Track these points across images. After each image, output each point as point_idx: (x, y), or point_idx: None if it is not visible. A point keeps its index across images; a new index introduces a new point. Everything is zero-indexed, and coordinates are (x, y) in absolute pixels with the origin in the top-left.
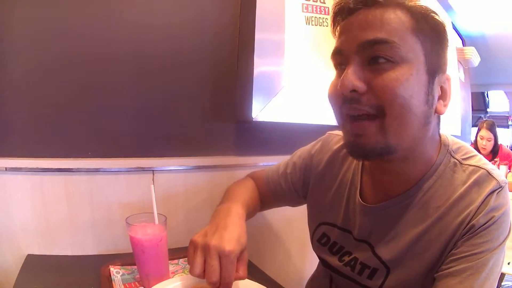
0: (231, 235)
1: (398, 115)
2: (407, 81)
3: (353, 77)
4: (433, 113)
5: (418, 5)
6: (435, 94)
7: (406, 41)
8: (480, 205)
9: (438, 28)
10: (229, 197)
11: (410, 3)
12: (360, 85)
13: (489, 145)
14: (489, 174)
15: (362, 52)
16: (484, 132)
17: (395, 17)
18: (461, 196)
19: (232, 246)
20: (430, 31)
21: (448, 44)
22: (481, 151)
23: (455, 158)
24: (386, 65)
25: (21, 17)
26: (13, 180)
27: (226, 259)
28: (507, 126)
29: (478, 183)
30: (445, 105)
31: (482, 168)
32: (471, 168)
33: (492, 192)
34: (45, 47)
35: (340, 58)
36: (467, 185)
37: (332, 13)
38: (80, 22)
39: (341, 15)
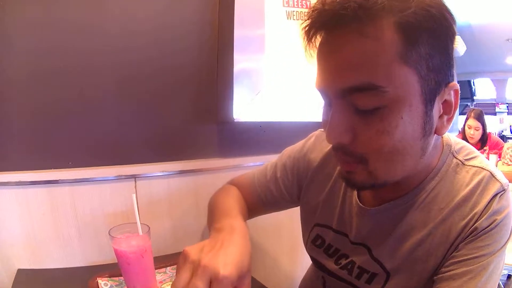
0: (230, 257)
1: (385, 161)
2: (397, 128)
3: (338, 129)
4: (432, 136)
5: (416, 8)
6: (435, 117)
7: (394, 76)
8: (484, 208)
9: (444, 29)
10: (223, 210)
11: (405, 12)
12: (345, 138)
13: (477, 134)
14: (492, 176)
15: (343, 97)
16: (472, 121)
17: (378, 46)
18: (465, 198)
19: (228, 271)
20: (432, 40)
21: (455, 40)
22: (469, 140)
23: (457, 158)
24: (371, 113)
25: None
26: (0, 195)
27: (217, 285)
28: (494, 114)
29: (481, 185)
30: (449, 119)
31: (485, 170)
32: (474, 169)
33: (495, 195)
34: (23, 60)
35: (325, 97)
36: (470, 186)
37: (302, 28)
38: (58, 34)
39: (314, 31)
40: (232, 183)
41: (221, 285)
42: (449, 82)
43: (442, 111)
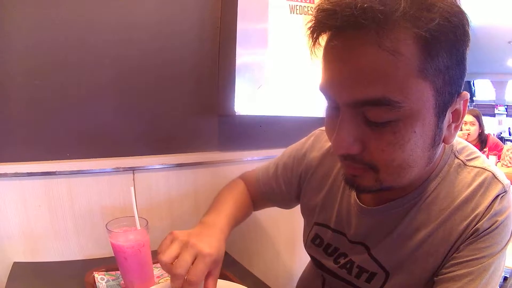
0: (213, 242)
1: (395, 172)
2: (409, 142)
3: (346, 140)
4: (440, 145)
5: (439, 19)
6: (445, 126)
7: (410, 91)
8: (486, 209)
9: (463, 37)
10: (217, 206)
11: (429, 24)
12: (353, 149)
13: (473, 130)
14: (494, 177)
15: (354, 107)
16: (467, 117)
17: (397, 60)
18: (466, 199)
19: (212, 250)
20: (451, 52)
21: (469, 46)
22: (465, 137)
23: (459, 158)
24: (383, 126)
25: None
26: None
27: (201, 259)
28: (493, 115)
29: (484, 187)
30: (456, 127)
31: (487, 170)
32: (476, 170)
33: (497, 196)
34: (21, 50)
35: (330, 102)
36: (472, 188)
37: (308, 28)
38: (57, 27)
39: (322, 31)
40: (242, 177)
41: (203, 260)
42: (460, 92)
43: (451, 120)
